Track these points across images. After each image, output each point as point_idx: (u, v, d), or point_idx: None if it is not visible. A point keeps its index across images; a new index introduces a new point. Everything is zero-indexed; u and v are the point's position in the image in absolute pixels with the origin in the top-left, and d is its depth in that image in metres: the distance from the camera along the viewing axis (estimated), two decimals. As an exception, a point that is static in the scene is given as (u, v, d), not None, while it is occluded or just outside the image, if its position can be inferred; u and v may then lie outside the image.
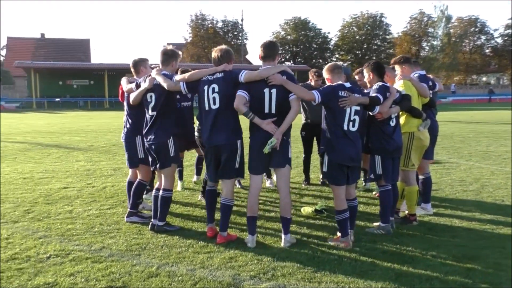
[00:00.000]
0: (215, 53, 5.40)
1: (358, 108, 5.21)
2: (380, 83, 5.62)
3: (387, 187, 5.70)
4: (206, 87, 5.20)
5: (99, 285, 4.16)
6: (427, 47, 77.37)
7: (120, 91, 6.43)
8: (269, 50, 5.21)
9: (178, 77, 5.42)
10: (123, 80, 6.31)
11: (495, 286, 4.25)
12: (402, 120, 6.00)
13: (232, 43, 67.49)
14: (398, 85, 5.93)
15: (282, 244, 5.24)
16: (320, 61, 70.96)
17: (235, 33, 68.03)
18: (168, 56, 5.75)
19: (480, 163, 11.02)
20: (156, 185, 5.99)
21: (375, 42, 74.45)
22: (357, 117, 5.20)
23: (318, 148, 6.09)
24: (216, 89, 5.14)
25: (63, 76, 51.26)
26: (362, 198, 7.53)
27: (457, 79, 74.60)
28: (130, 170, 6.49)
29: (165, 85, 5.42)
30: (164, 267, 4.58)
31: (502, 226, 5.99)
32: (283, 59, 73.15)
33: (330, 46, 74.61)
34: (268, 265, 4.67)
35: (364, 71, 5.87)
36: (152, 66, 6.24)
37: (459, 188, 8.29)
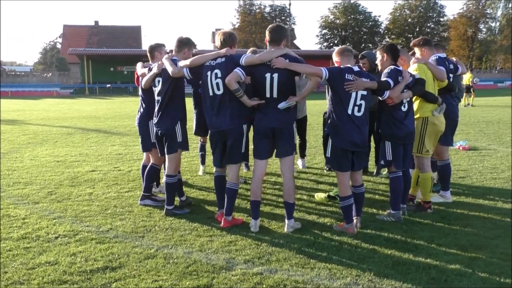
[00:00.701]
0: (218, 36, 5.40)
1: (365, 93, 5.08)
2: (392, 67, 5.45)
3: (398, 173, 5.55)
4: (209, 73, 5.21)
5: (96, 264, 4.30)
6: (484, 29, 74.15)
7: (136, 76, 6.56)
8: (276, 34, 5.14)
9: (182, 62, 5.46)
10: (138, 65, 6.43)
11: (494, 276, 4.08)
12: (415, 105, 5.81)
13: (280, 28, 67.13)
14: (412, 68, 5.73)
15: (285, 229, 5.23)
16: (370, 45, 69.43)
17: (283, 18, 67.47)
18: (182, 43, 5.83)
19: (521, 150, 10.53)
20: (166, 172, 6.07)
21: (428, 25, 72.02)
22: (363, 102, 5.08)
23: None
24: (219, 75, 5.14)
25: (114, 63, 52.57)
26: (377, 184, 7.38)
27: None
28: (144, 154, 6.63)
29: (170, 70, 5.48)
30: (163, 249, 4.68)
31: (522, 216, 5.72)
32: (331, 44, 72.09)
33: (380, 30, 72.83)
34: (265, 249, 4.68)
35: (378, 52, 5.70)
36: (168, 51, 6.30)
37: (489, 175, 7.96)
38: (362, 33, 70.77)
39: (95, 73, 50.40)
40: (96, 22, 77.00)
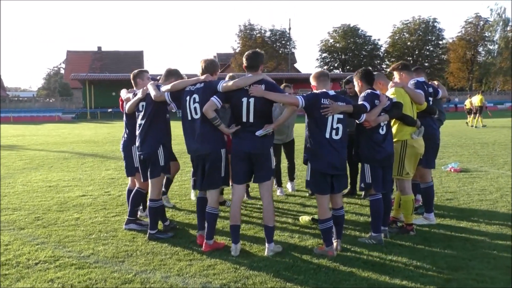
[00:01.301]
0: (200, 63, 5.54)
1: (341, 116, 5.16)
2: (369, 91, 5.55)
3: (378, 196, 5.60)
4: (188, 98, 5.32)
5: (73, 290, 4.34)
6: (483, 52, 74.63)
7: (120, 102, 6.67)
8: (253, 60, 5.26)
9: (164, 87, 5.58)
10: (123, 91, 6.57)
11: (467, 299, 4.10)
12: (394, 128, 5.89)
13: (280, 52, 67.69)
14: (390, 92, 5.83)
15: (266, 253, 5.25)
16: (370, 68, 69.86)
17: (283, 42, 68.10)
18: (170, 74, 6.04)
19: (512, 172, 10.56)
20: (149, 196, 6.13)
21: (427, 47, 72.51)
22: (340, 125, 5.16)
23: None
24: (197, 99, 5.25)
25: (116, 87, 52.47)
26: (363, 207, 7.40)
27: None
28: (129, 179, 6.71)
29: (152, 94, 5.61)
30: (141, 274, 4.71)
31: (503, 237, 5.75)
32: (331, 67, 72.63)
33: (380, 53, 73.38)
34: (243, 273, 4.71)
35: (354, 79, 5.82)
36: (149, 77, 6.42)
37: (476, 197, 7.99)
38: (361, 56, 71.27)
39: (97, 97, 50.84)
40: (99, 48, 78.02)
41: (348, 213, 7.12)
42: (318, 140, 5.12)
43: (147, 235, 5.88)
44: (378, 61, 72.99)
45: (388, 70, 6.35)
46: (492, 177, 9.96)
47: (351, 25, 71.25)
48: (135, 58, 76.67)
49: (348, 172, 6.26)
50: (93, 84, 51.29)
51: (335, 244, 5.34)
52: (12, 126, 35.61)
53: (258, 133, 5.07)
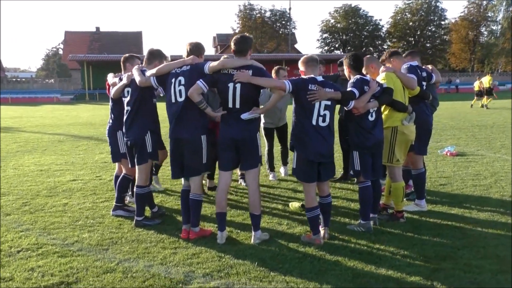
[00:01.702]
0: (186, 46, 5.41)
1: (328, 103, 5.04)
2: (358, 76, 5.41)
3: (367, 183, 5.50)
4: (173, 80, 5.19)
5: (52, 280, 4.25)
6: (486, 32, 74.00)
7: (107, 86, 6.54)
8: (241, 45, 5.11)
9: (149, 72, 5.45)
10: (110, 75, 6.44)
11: (452, 290, 4.04)
12: (385, 114, 5.77)
13: (280, 32, 67.14)
14: (380, 77, 5.69)
15: (252, 241, 5.18)
16: (371, 49, 69.49)
17: (283, 22, 67.50)
18: (153, 56, 5.82)
19: (508, 156, 10.47)
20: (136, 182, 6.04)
21: (430, 28, 71.91)
22: (327, 112, 5.04)
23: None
24: (182, 82, 5.12)
25: (114, 68, 51.67)
26: (355, 193, 7.32)
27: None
28: (116, 164, 6.62)
29: (137, 79, 5.48)
30: (123, 263, 4.64)
31: (494, 224, 5.67)
32: (332, 48, 72.05)
33: (381, 33, 72.78)
34: (227, 262, 4.64)
35: (344, 63, 5.68)
36: (139, 63, 6.28)
37: (470, 182, 7.90)
38: (363, 37, 70.75)
39: (95, 79, 50.47)
40: (98, 28, 77.23)
41: (339, 198, 7.06)
42: (304, 127, 5.01)
43: (134, 222, 5.81)
44: (379, 42, 72.46)
45: (380, 61, 6.15)
46: (488, 161, 9.86)
47: (353, 5, 70.62)
48: (134, 39, 75.97)
49: (342, 157, 6.15)
50: (91, 65, 50.92)
51: (322, 232, 5.26)
52: (10, 108, 35.49)
53: (243, 116, 4.96)
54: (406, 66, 6.05)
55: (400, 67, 6.01)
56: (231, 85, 4.96)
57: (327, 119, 5.05)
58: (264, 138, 8.56)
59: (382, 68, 5.84)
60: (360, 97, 5.24)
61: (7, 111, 30.96)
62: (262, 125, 8.44)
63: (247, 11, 66.65)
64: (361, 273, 4.37)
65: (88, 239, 5.32)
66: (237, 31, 66.44)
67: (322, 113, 5.01)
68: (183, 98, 5.13)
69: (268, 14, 67.43)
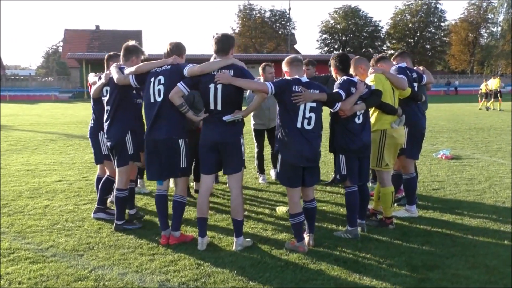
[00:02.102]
0: (166, 46, 5.23)
1: (314, 105, 4.85)
2: (345, 77, 5.23)
3: (353, 188, 5.31)
4: (152, 79, 5.01)
5: (19, 288, 4.07)
6: (485, 34, 73.74)
7: (89, 86, 6.35)
8: (222, 44, 4.91)
9: (127, 70, 5.26)
10: (91, 75, 6.26)
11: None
12: (373, 117, 5.59)
13: (280, 32, 66.93)
14: (369, 79, 5.50)
15: (234, 248, 4.99)
16: (370, 50, 69.19)
17: (283, 22, 67.28)
18: (129, 51, 5.61)
19: (504, 160, 10.29)
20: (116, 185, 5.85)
21: (429, 29, 71.66)
22: (313, 114, 4.85)
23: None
24: (162, 81, 4.94)
25: (114, 67, 52.34)
26: (338, 197, 7.14)
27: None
28: (98, 166, 6.43)
29: (115, 77, 5.29)
30: (97, 270, 4.44)
31: (485, 232, 5.48)
32: (332, 49, 71.82)
33: (381, 34, 72.55)
34: (205, 270, 4.45)
35: (330, 64, 5.49)
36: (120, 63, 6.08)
37: (464, 187, 7.72)
38: (362, 37, 70.51)
39: (94, 77, 50.22)
40: (97, 26, 76.99)
41: (328, 203, 6.88)
42: (289, 130, 4.81)
43: (114, 226, 5.62)
44: (379, 43, 72.21)
45: (369, 72, 5.85)
46: (484, 165, 9.68)
47: (352, 6, 70.37)
48: (134, 37, 75.05)
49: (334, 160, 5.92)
50: (90, 63, 50.56)
51: (307, 239, 5.08)
52: (7, 105, 35.24)
53: (225, 118, 4.76)
54: (394, 68, 5.87)
55: (388, 69, 5.81)
56: (212, 86, 4.77)
57: (313, 122, 4.85)
58: (254, 139, 8.38)
59: (370, 69, 5.65)
60: (346, 99, 5.05)
61: (4, 109, 30.70)
62: (252, 126, 8.26)
63: (247, 11, 66.39)
64: (344, 283, 4.19)
65: (64, 244, 5.13)
66: (236, 31, 66.20)
67: (307, 115, 4.82)
68: (161, 98, 4.94)
69: (268, 14, 67.21)
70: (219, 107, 4.79)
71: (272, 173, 8.58)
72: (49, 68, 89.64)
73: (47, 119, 22.35)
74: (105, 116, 5.61)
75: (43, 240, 5.27)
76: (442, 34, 72.25)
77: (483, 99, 28.01)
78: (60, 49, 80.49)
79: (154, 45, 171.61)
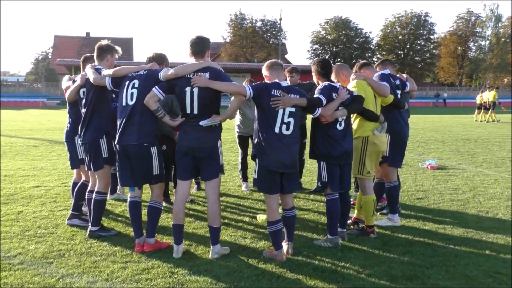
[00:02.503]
0: (150, 54, 5.23)
1: (293, 109, 4.73)
2: (326, 83, 5.13)
3: (334, 196, 5.19)
4: (127, 82, 4.90)
5: (-18, 296, 3.90)
6: (474, 48, 74.49)
7: (65, 90, 6.21)
8: (198, 46, 4.79)
9: (105, 71, 5.13)
10: (65, 78, 6.13)
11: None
12: (355, 123, 5.49)
13: (271, 42, 67.07)
14: (351, 85, 5.41)
15: (210, 256, 4.85)
16: (360, 61, 69.39)
17: (274, 32, 67.45)
18: (103, 50, 5.50)
19: (489, 170, 10.24)
20: (89, 188, 5.69)
21: (419, 42, 72.23)
22: (292, 120, 4.73)
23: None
24: (136, 85, 4.83)
25: (103, 74, 52.04)
26: (321, 205, 7.03)
27: (507, 81, 71.09)
28: (74, 171, 6.27)
29: (91, 78, 5.17)
30: (65, 278, 4.27)
31: (467, 242, 5.38)
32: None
33: (371, 46, 73.00)
34: (179, 279, 4.29)
35: (312, 70, 5.39)
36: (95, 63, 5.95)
37: (448, 197, 7.63)
38: (353, 49, 70.88)
39: (82, 84, 49.87)
40: (88, 33, 76.76)
41: (310, 211, 6.76)
42: (267, 135, 4.68)
43: (88, 232, 5.45)
44: (369, 54, 72.56)
45: (351, 78, 5.75)
46: (469, 175, 9.62)
47: (343, 17, 70.80)
48: (125, 45, 75.31)
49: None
50: (79, 70, 50.24)
51: (285, 247, 4.94)
52: (-7, 111, 34.81)
53: (202, 122, 4.63)
54: (377, 75, 5.79)
55: (371, 76, 5.74)
56: (188, 89, 4.64)
57: (291, 127, 4.73)
58: (238, 146, 8.26)
59: (352, 75, 5.56)
60: (327, 104, 4.95)
61: (-11, 114, 30.36)
62: (236, 133, 8.15)
63: (238, 21, 66.46)
64: (321, 294, 4.06)
65: (33, 251, 4.95)
66: (227, 40, 66.25)
67: (286, 120, 4.70)
68: (133, 102, 4.81)
69: (259, 24, 67.28)
70: (195, 111, 4.66)
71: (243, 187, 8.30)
72: (38, 75, 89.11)
73: (32, 125, 22.10)
74: (82, 119, 5.47)
75: (12, 247, 5.08)
76: (431, 47, 72.84)
77: (481, 111, 28.13)
78: (50, 56, 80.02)
79: (145, 52, 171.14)
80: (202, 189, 7.77)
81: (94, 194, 5.46)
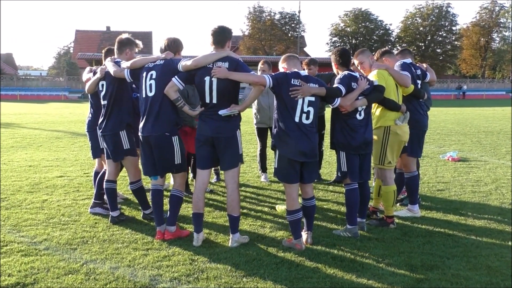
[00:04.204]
0: (163, 42, 5.18)
1: (313, 99, 4.74)
2: (346, 72, 5.12)
3: (353, 185, 5.20)
4: (145, 74, 4.96)
5: (8, 280, 3.99)
6: (497, 39, 73.05)
7: (85, 82, 6.29)
8: (219, 35, 4.80)
9: (124, 64, 5.20)
10: (86, 70, 6.22)
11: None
12: (377, 113, 5.47)
13: (290, 35, 66.72)
14: (372, 75, 5.38)
15: (229, 244, 4.90)
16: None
17: (293, 25, 67.06)
18: (122, 44, 5.57)
19: (512, 162, 10.08)
20: (105, 177, 5.77)
21: (440, 33, 71.00)
22: (311, 109, 4.74)
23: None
24: (154, 76, 4.88)
25: (123, 67, 52.51)
26: (340, 196, 7.02)
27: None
28: (96, 161, 6.38)
29: (111, 71, 5.24)
30: (89, 264, 4.37)
31: (489, 233, 5.34)
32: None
33: (391, 38, 72.05)
34: (199, 266, 4.36)
35: (331, 59, 5.39)
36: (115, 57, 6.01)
37: (469, 189, 7.55)
38: (372, 41, 69.98)
39: (103, 77, 50.35)
40: (108, 28, 77.35)
41: (330, 202, 6.76)
42: (287, 124, 4.70)
43: (110, 219, 5.54)
44: (390, 46, 71.57)
45: (372, 67, 5.79)
46: (491, 167, 9.50)
47: (363, 9, 69.95)
48: (144, 38, 75.52)
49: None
50: (100, 64, 50.78)
51: (305, 236, 4.97)
52: (17, 104, 35.44)
53: (221, 112, 4.67)
54: (399, 63, 5.75)
55: (393, 65, 5.70)
56: (207, 79, 4.67)
57: (311, 116, 4.74)
58: (257, 137, 8.28)
59: (374, 64, 5.53)
60: (347, 94, 4.94)
61: (13, 107, 30.89)
62: (254, 125, 8.17)
63: (257, 13, 66.17)
64: (340, 282, 4.07)
65: (58, 238, 5.06)
66: (246, 33, 66.08)
67: (305, 109, 4.71)
68: (152, 93, 4.88)
69: (277, 16, 66.89)
70: (214, 100, 4.69)
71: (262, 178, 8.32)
72: (60, 69, 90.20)
73: (54, 118, 22.40)
74: (103, 111, 5.56)
75: (38, 233, 5.21)
76: (453, 38, 71.52)
77: None
78: (71, 50, 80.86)
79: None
80: (222, 180, 7.82)
81: (129, 185, 5.61)
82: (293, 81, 4.69)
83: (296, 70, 4.82)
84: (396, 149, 5.55)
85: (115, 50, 5.60)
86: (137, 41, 5.69)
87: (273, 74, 4.81)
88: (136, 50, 5.62)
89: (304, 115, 4.70)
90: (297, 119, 4.69)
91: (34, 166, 9.30)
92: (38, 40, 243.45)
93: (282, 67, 5.00)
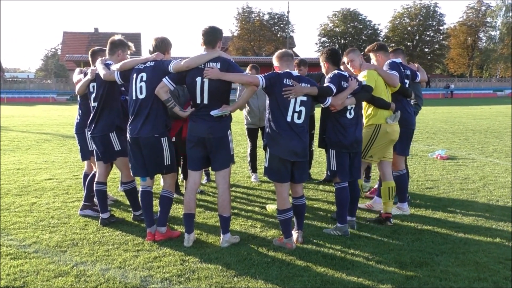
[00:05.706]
0: (152, 42, 5.14)
1: (305, 98, 4.76)
2: (336, 72, 5.15)
3: (343, 184, 5.23)
4: (135, 75, 4.94)
5: (-3, 283, 3.98)
6: (484, 38, 73.70)
7: (76, 83, 6.27)
8: (210, 36, 4.80)
9: (114, 66, 5.19)
10: (76, 71, 6.19)
11: (425, 300, 3.75)
12: (369, 111, 5.52)
13: (279, 35, 66.83)
14: (361, 75, 5.43)
15: (220, 244, 4.90)
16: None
17: (282, 25, 67.19)
18: (114, 45, 5.55)
19: (500, 160, 10.20)
20: (96, 178, 5.75)
21: (428, 33, 71.51)
22: (303, 109, 4.76)
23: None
24: (144, 78, 4.87)
25: (112, 69, 52.27)
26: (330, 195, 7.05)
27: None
28: (85, 163, 6.35)
29: (101, 74, 5.22)
30: (79, 266, 4.35)
31: (476, 230, 5.39)
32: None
33: (380, 38, 72.37)
34: (190, 266, 4.36)
35: (320, 60, 5.42)
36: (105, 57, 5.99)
37: (458, 186, 7.63)
38: (361, 41, 70.26)
39: (91, 79, 50.07)
40: (96, 29, 76.92)
41: (320, 201, 6.79)
42: (279, 124, 4.71)
43: (100, 220, 5.53)
44: (378, 46, 71.92)
45: (365, 51, 5.91)
46: (479, 165, 9.59)
47: (351, 9, 70.28)
48: (133, 40, 73.24)
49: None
50: (88, 65, 50.47)
51: (295, 235, 4.99)
52: (3, 107, 35.09)
53: (213, 112, 4.67)
54: (388, 62, 5.80)
55: (383, 63, 5.76)
56: (199, 79, 4.67)
57: (303, 116, 4.77)
58: (248, 137, 8.30)
59: (363, 65, 5.57)
60: (338, 94, 4.97)
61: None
62: (245, 126, 8.19)
63: (246, 14, 66.23)
64: (330, 280, 4.09)
65: (47, 240, 5.04)
66: (235, 34, 66.08)
67: (297, 109, 4.73)
68: (143, 96, 4.87)
69: (266, 17, 66.98)
70: (205, 101, 4.70)
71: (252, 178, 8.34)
72: (48, 71, 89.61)
73: (42, 120, 22.26)
74: (92, 113, 5.53)
75: (27, 236, 5.17)
76: (441, 38, 72.05)
77: None
78: (59, 52, 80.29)
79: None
80: (212, 181, 7.82)
81: (121, 186, 5.58)
82: (286, 81, 4.71)
83: (288, 70, 4.84)
84: (385, 146, 5.59)
85: (107, 51, 5.58)
86: (130, 44, 5.67)
87: (265, 74, 4.82)
88: (129, 52, 5.60)
89: (296, 115, 4.73)
90: (289, 119, 4.71)
91: (23, 169, 9.24)
92: (25, 42, 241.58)
93: (274, 65, 5.02)
